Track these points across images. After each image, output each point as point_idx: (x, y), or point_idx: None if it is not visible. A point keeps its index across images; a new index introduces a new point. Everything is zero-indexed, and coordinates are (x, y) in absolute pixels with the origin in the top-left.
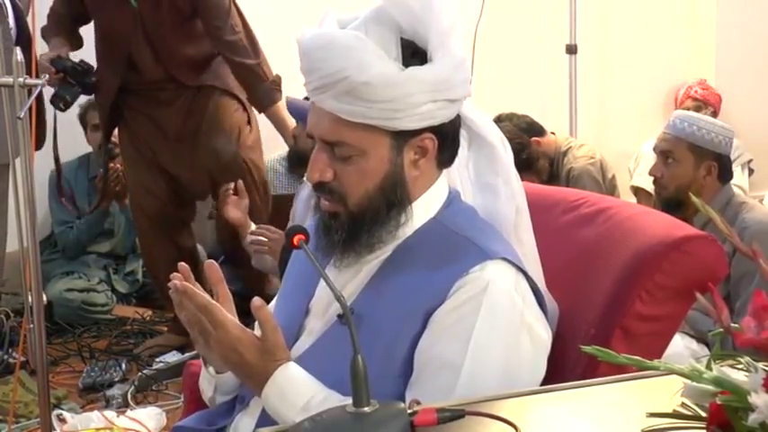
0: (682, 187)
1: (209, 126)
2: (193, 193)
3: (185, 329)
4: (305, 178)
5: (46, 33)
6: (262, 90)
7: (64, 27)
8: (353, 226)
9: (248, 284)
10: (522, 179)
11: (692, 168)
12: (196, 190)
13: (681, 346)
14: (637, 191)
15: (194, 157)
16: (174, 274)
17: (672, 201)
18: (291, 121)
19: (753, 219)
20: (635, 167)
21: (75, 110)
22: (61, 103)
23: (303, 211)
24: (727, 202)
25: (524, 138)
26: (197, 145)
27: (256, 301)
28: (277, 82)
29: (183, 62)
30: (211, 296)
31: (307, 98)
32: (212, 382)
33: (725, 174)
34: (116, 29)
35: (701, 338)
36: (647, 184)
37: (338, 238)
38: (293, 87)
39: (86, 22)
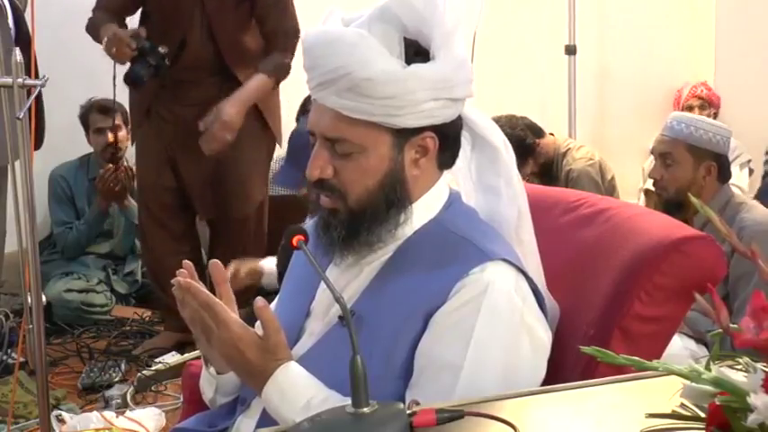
0: (682, 188)
1: (239, 148)
2: (199, 204)
3: (182, 325)
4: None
5: (97, 23)
6: (274, 64)
7: (117, 17)
8: (353, 223)
9: None
10: (527, 164)
11: (692, 169)
12: (202, 201)
13: (680, 347)
14: (647, 192)
15: (215, 170)
16: (179, 270)
17: (673, 202)
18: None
19: (751, 219)
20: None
21: (76, 110)
22: (136, 79)
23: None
24: (726, 203)
25: (524, 126)
26: (221, 160)
27: (259, 300)
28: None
29: (236, 47)
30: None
31: (309, 97)
32: (213, 383)
33: (724, 173)
34: (176, 10)
35: (699, 339)
36: None
37: (337, 235)
38: (297, 85)
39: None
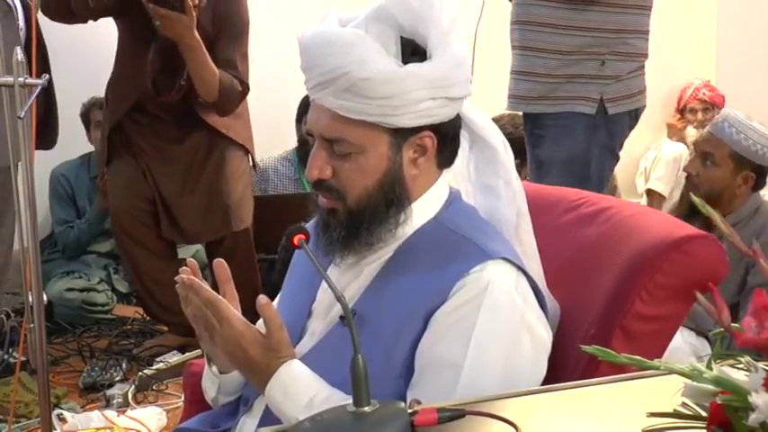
0: (715, 191)
1: (214, 174)
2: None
3: (186, 331)
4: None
5: None
6: (231, 83)
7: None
8: (352, 223)
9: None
10: (526, 166)
11: (730, 175)
12: (190, 225)
13: (680, 340)
14: (650, 193)
15: (193, 196)
16: (183, 268)
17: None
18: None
19: None
20: (652, 168)
21: (76, 109)
22: None
23: None
24: (756, 209)
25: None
26: (198, 185)
27: (262, 298)
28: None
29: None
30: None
31: (307, 97)
32: (215, 382)
33: (759, 183)
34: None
35: (700, 332)
36: (664, 188)
37: (337, 235)
38: (295, 85)
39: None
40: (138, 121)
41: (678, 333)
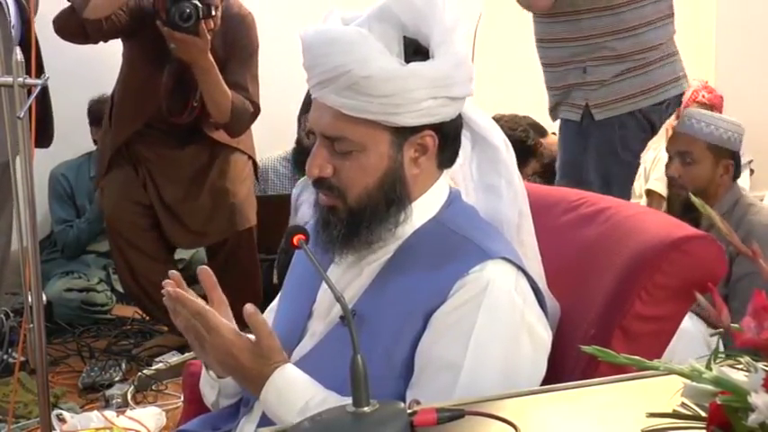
0: (700, 187)
1: (218, 177)
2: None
3: None
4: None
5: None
6: (243, 104)
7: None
8: (352, 221)
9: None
10: (527, 165)
11: (711, 168)
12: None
13: (689, 324)
14: (650, 193)
15: (198, 200)
16: (166, 281)
17: (691, 201)
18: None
19: (760, 222)
20: (652, 168)
21: (74, 110)
22: (185, 18)
23: (306, 211)
24: (735, 201)
25: (526, 126)
26: (203, 190)
27: (249, 307)
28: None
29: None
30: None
31: (308, 97)
32: (215, 387)
33: (737, 171)
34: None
35: (710, 322)
36: (664, 189)
37: (336, 233)
38: (295, 85)
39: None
40: (144, 134)
41: (688, 319)
